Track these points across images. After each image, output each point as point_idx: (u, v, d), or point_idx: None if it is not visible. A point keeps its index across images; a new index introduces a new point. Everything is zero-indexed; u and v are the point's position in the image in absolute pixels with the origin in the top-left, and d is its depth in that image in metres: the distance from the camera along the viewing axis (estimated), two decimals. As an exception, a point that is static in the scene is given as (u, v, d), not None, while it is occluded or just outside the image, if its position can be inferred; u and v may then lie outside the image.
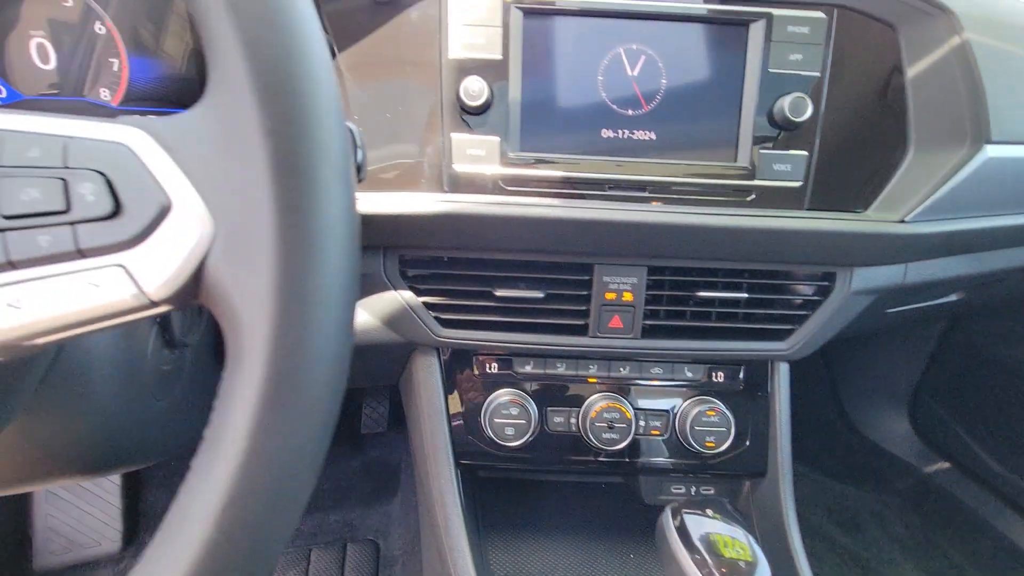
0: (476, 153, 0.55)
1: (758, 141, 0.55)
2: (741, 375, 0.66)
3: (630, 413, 0.63)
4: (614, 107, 0.55)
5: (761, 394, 0.67)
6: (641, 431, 0.65)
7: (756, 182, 0.56)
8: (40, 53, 0.55)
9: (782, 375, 0.66)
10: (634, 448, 0.65)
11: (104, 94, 0.57)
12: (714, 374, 0.66)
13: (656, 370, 0.65)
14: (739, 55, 0.55)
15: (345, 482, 1.38)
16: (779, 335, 0.63)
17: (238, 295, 0.22)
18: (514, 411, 0.63)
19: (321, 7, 0.53)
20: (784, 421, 0.66)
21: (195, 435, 0.22)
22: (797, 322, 0.63)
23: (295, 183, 0.22)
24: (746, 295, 0.61)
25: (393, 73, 0.55)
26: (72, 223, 0.22)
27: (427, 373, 0.64)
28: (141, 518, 1.20)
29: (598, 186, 0.55)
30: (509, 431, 0.63)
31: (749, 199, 0.56)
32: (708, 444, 0.63)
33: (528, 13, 0.54)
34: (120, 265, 0.22)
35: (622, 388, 0.65)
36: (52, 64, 0.55)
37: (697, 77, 0.55)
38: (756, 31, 0.54)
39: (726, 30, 0.55)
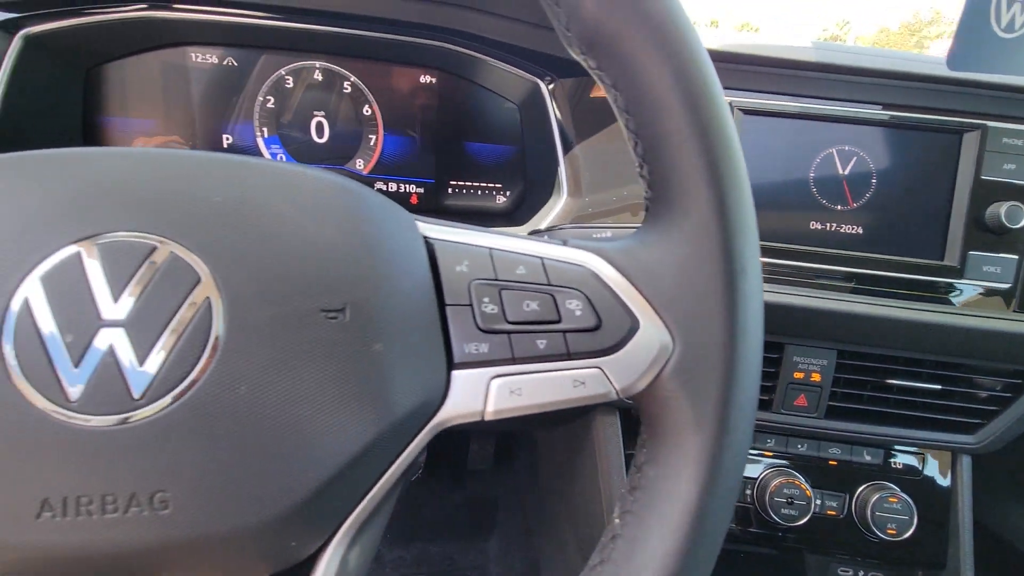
0: (690, 236, 0.60)
1: (967, 243, 0.58)
2: (921, 463, 0.67)
3: (810, 491, 0.65)
4: (823, 201, 0.60)
5: (941, 484, 0.67)
6: (818, 510, 0.66)
7: (964, 281, 0.58)
8: (317, 129, 0.65)
9: (965, 468, 0.66)
10: (808, 526, 0.66)
11: (359, 164, 0.67)
12: (893, 460, 0.67)
13: (834, 450, 0.67)
14: (951, 161, 0.58)
15: (446, 516, 1.41)
16: (967, 428, 0.64)
17: (688, 400, 0.27)
18: (693, 477, 0.66)
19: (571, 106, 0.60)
20: (967, 515, 0.65)
21: None
22: (986, 416, 0.64)
23: (742, 311, 0.27)
24: (939, 386, 0.62)
25: (619, 159, 0.61)
26: (564, 332, 0.27)
27: (611, 431, 0.68)
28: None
29: (805, 274, 0.59)
30: (688, 496, 0.65)
31: (955, 297, 0.58)
32: (890, 531, 0.64)
33: (749, 113, 0.59)
34: (599, 368, 0.27)
35: (798, 465, 0.67)
36: (325, 138, 0.65)
37: (906, 179, 0.59)
38: (970, 140, 0.57)
39: (939, 137, 0.58)
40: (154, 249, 0.23)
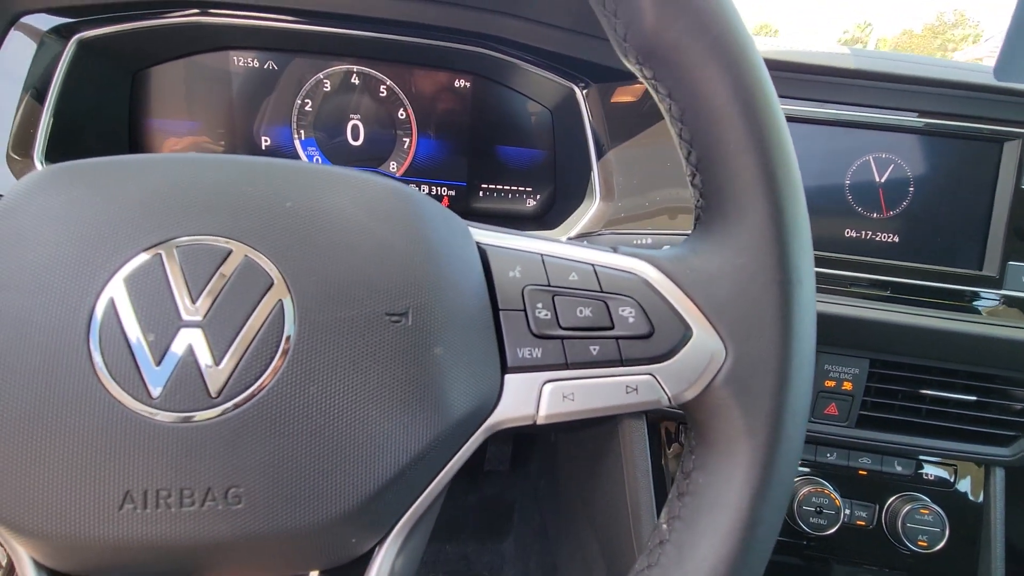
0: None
1: (1007, 252, 0.57)
2: (953, 475, 0.66)
3: (839, 500, 0.64)
4: (859, 209, 0.59)
5: (974, 497, 0.66)
6: (847, 520, 0.65)
7: (1004, 292, 0.57)
8: (353, 132, 0.66)
9: (998, 480, 0.65)
10: (837, 536, 0.66)
11: (392, 166, 0.68)
12: (924, 471, 0.66)
13: (864, 460, 0.66)
14: (990, 170, 0.57)
15: (461, 516, 1.42)
16: (1002, 440, 0.63)
17: (740, 408, 0.27)
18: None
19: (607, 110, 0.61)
20: (999, 528, 0.64)
21: None
22: (1022, 429, 0.63)
23: (798, 321, 0.27)
24: (974, 397, 0.61)
25: (652, 164, 0.61)
26: (617, 338, 0.28)
27: (638, 436, 0.68)
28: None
29: (839, 282, 0.59)
30: (715, 502, 0.65)
31: (992, 307, 0.57)
32: (920, 543, 0.63)
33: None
34: (652, 375, 0.28)
35: (827, 474, 0.66)
36: (360, 141, 0.66)
37: (944, 187, 0.58)
38: (1011, 149, 0.57)
39: (978, 146, 0.58)
40: (229, 253, 0.24)
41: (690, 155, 0.29)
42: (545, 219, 0.71)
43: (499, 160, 0.69)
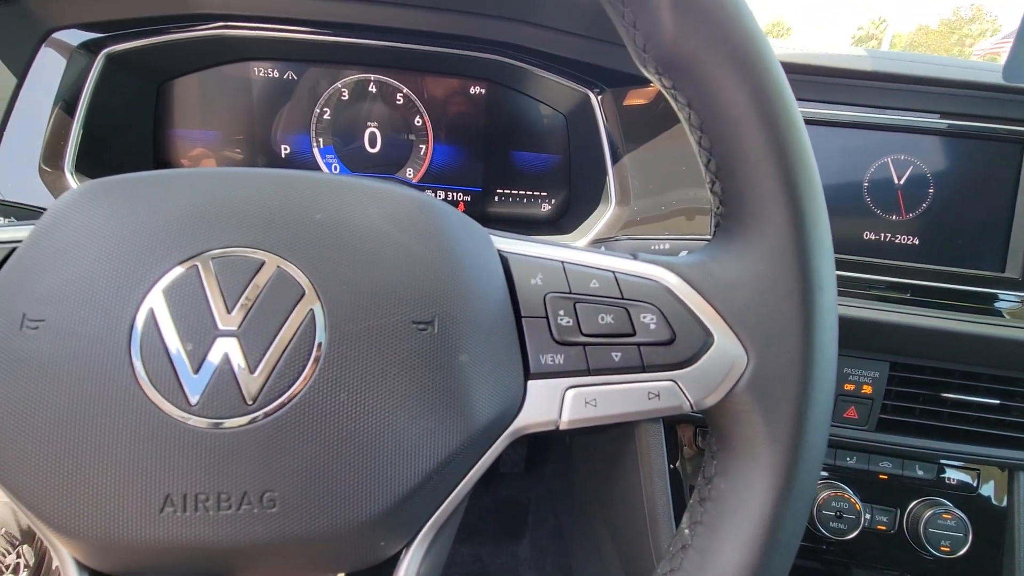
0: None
1: (1031, 254, 0.56)
2: (976, 479, 0.65)
3: (859, 505, 0.63)
4: (878, 211, 0.59)
5: (997, 501, 0.65)
6: (867, 524, 0.65)
7: (1027, 294, 0.56)
8: (370, 139, 0.67)
9: (1022, 485, 0.64)
10: (857, 540, 0.65)
11: (409, 173, 0.69)
12: (946, 475, 0.65)
13: (885, 464, 0.66)
14: (1012, 171, 0.57)
15: (476, 517, 1.42)
16: (1025, 444, 0.62)
17: (761, 414, 0.27)
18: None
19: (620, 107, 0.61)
20: (1025, 534, 0.63)
21: None
22: (1047, 433, 0.62)
23: (820, 328, 0.27)
24: (997, 401, 0.60)
25: (666, 166, 0.61)
26: (639, 344, 0.28)
27: (655, 439, 0.68)
28: None
29: (858, 285, 0.58)
30: (732, 506, 0.65)
31: (1015, 310, 0.57)
32: (943, 548, 0.62)
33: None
34: (673, 381, 0.28)
35: (846, 478, 0.66)
36: (377, 148, 0.67)
37: (965, 188, 0.58)
38: (1033, 150, 0.56)
39: (1000, 147, 0.57)
40: (262, 264, 0.25)
41: (710, 163, 0.30)
42: (560, 223, 0.72)
43: (514, 165, 0.70)
